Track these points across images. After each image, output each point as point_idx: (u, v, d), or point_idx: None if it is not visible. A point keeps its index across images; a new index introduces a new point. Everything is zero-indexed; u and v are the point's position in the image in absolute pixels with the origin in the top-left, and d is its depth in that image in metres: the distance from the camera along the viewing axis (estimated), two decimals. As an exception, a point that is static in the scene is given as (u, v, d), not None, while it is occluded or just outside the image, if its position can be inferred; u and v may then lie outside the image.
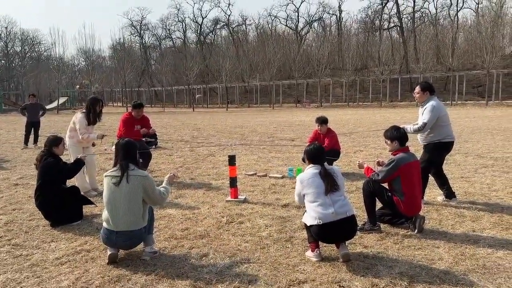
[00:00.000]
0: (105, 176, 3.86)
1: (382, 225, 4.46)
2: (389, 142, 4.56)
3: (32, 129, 12.85)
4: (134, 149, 3.93)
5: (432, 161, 5.35)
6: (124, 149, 3.87)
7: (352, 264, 3.53)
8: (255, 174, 7.60)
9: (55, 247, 4.14)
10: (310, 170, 3.80)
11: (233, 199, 5.72)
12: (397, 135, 4.49)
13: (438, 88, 46.47)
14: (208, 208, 5.36)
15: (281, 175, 7.33)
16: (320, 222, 3.54)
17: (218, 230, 4.52)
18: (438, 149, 5.31)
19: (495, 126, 16.34)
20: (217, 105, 55.83)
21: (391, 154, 4.54)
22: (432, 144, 5.30)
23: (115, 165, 3.87)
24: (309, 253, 3.72)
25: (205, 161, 9.13)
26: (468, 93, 41.83)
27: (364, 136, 13.67)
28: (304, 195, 3.75)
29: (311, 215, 3.63)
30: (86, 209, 5.29)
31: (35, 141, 12.72)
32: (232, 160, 5.83)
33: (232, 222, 4.77)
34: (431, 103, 5.24)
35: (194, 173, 7.84)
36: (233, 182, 5.77)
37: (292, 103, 49.82)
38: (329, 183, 3.66)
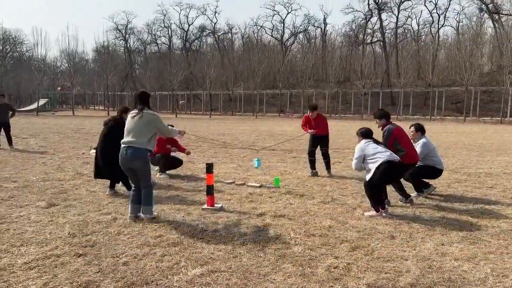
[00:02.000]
0: (129, 115, 5.27)
1: (364, 227, 4.54)
2: (378, 120, 6.35)
3: (3, 130, 12.27)
4: (147, 97, 5.28)
5: (424, 172, 6.59)
6: (139, 97, 5.24)
7: (322, 274, 3.57)
8: (233, 182, 7.62)
9: (24, 251, 4.07)
10: (364, 141, 5.63)
11: (209, 207, 5.72)
12: (383, 114, 6.36)
13: (418, 103, 47.51)
14: (183, 216, 5.35)
15: (259, 184, 7.37)
16: (385, 159, 5.30)
17: (192, 238, 4.51)
18: (431, 171, 6.64)
19: (471, 142, 16.75)
20: (201, 112, 55.75)
21: (381, 129, 6.29)
22: (427, 166, 6.62)
23: (135, 108, 5.22)
24: (373, 213, 5.39)
25: (184, 168, 9.10)
26: (447, 109, 42.80)
27: (343, 147, 13.84)
28: (364, 157, 5.47)
29: (375, 161, 5.35)
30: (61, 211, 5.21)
31: (10, 143, 12.20)
32: (209, 168, 5.84)
33: (206, 230, 4.77)
34: (423, 140, 6.71)
35: (172, 180, 7.81)
36: (209, 190, 5.78)
37: (275, 113, 50.11)
38: (379, 144, 5.62)
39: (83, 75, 60.05)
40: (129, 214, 5.16)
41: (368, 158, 5.45)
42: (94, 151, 11.57)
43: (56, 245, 4.24)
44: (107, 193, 6.51)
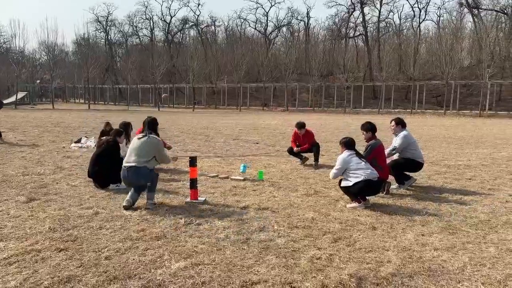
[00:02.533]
0: (135, 136, 5.75)
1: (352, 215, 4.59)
2: (364, 132, 6.43)
3: None
4: (155, 125, 5.99)
5: (405, 164, 6.78)
6: (148, 123, 5.90)
7: (305, 266, 3.61)
8: (217, 176, 7.61)
9: (3, 246, 3.99)
10: (347, 152, 5.77)
11: (192, 201, 5.71)
12: (370, 127, 6.41)
13: (400, 96, 48.12)
14: (166, 209, 5.33)
15: (242, 178, 7.37)
16: (365, 177, 5.47)
17: (175, 231, 4.50)
18: (412, 164, 6.82)
19: (451, 134, 17.07)
20: (184, 106, 55.34)
21: (366, 141, 6.39)
22: (408, 159, 6.82)
23: (142, 132, 5.82)
24: (355, 205, 5.50)
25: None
26: (427, 102, 43.43)
27: (326, 140, 13.94)
28: (345, 169, 5.64)
29: (356, 176, 5.52)
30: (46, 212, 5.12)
31: None
32: (193, 161, 5.82)
33: (190, 224, 4.76)
34: (403, 133, 6.86)
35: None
36: (193, 183, 5.76)
37: (259, 106, 50.08)
38: (361, 158, 5.78)
39: (63, 67, 58.81)
40: (127, 198, 5.37)
41: (349, 171, 5.64)
42: (75, 144, 11.49)
43: (36, 240, 4.18)
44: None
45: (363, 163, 5.69)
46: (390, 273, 3.49)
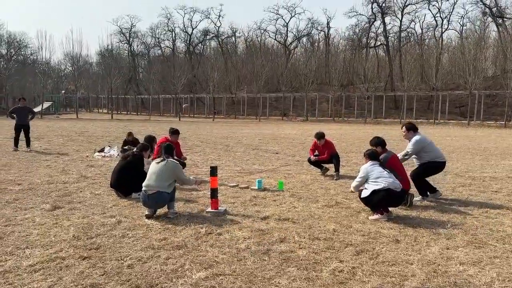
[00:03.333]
0: (153, 160, 6.01)
1: (368, 231, 4.53)
2: (374, 147, 6.20)
3: (22, 132, 12.71)
4: (172, 149, 6.09)
5: (421, 174, 6.63)
6: (165, 148, 5.95)
7: (327, 278, 3.57)
8: (237, 185, 7.62)
9: (29, 254, 4.08)
10: (370, 162, 5.74)
11: (213, 210, 5.72)
12: (379, 142, 6.38)
13: (422, 106, 47.40)
14: (187, 219, 5.36)
15: (262, 188, 7.36)
16: (386, 186, 5.36)
17: (196, 241, 4.51)
18: (432, 166, 6.64)
19: (475, 146, 16.69)
20: (204, 115, 55.82)
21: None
22: (427, 163, 6.62)
23: (159, 157, 5.87)
24: (377, 216, 5.38)
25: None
26: (450, 113, 42.68)
27: (347, 151, 13.82)
28: (367, 179, 5.57)
29: (376, 184, 5.44)
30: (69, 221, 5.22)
31: (28, 144, 12.67)
32: (213, 171, 5.84)
33: (210, 234, 4.77)
34: (415, 138, 6.66)
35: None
36: (213, 193, 5.78)
37: (278, 116, 50.10)
38: (385, 168, 5.68)
39: (87, 78, 60.18)
40: (148, 208, 5.49)
41: (370, 180, 5.58)
42: (98, 154, 11.70)
43: (60, 247, 4.25)
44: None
45: (386, 172, 5.60)
46: (415, 288, 3.42)
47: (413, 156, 6.75)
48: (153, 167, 5.66)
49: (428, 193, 6.68)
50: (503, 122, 36.00)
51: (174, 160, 5.83)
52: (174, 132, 8.55)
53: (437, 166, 6.68)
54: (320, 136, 9.15)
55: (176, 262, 3.90)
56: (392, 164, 6.01)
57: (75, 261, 3.89)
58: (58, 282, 3.45)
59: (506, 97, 37.68)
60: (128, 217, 5.40)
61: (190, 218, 5.41)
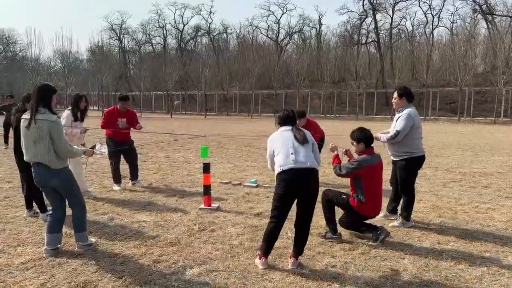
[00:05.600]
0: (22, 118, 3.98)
1: (348, 235, 4.56)
2: (355, 143, 4.64)
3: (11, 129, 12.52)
4: (49, 94, 3.95)
5: (409, 179, 5.12)
6: (38, 92, 3.89)
7: (320, 273, 3.59)
8: (230, 182, 7.62)
9: (21, 251, 4.05)
10: (281, 129, 3.96)
11: (206, 207, 5.72)
12: (363, 137, 4.57)
13: (413, 103, 47.62)
14: (180, 216, 5.35)
15: (255, 185, 7.37)
16: (280, 169, 3.64)
17: (189, 237, 4.51)
18: (410, 166, 5.06)
19: (465, 142, 16.85)
20: (196, 112, 55.61)
21: (357, 154, 4.64)
22: (404, 161, 5.04)
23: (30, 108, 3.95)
24: (256, 260, 3.80)
25: (180, 168, 9.09)
26: (441, 109, 43.00)
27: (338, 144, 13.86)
28: (273, 152, 3.82)
29: (276, 169, 3.72)
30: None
31: None
32: (206, 167, 5.84)
33: (204, 230, 4.77)
34: (408, 110, 5.03)
35: (168, 180, 7.80)
36: (206, 190, 5.78)
37: (271, 113, 50.05)
38: (298, 135, 3.80)
39: (77, 75, 59.61)
40: (45, 247, 4.00)
41: (275, 158, 3.86)
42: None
43: (53, 245, 4.22)
44: None
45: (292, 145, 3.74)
46: (407, 282, 3.45)
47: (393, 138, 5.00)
48: (24, 134, 3.90)
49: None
50: (493, 119, 36.36)
51: (49, 116, 3.85)
52: (121, 99, 7.34)
53: (416, 162, 5.11)
54: (300, 114, 7.38)
55: (169, 258, 3.90)
56: (365, 174, 4.42)
57: (67, 258, 3.87)
58: (51, 279, 3.43)
59: (496, 93, 38.05)
60: (121, 214, 5.38)
61: (183, 215, 5.41)
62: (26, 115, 3.91)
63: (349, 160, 4.76)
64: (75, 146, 4.28)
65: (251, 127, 25.90)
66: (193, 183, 7.52)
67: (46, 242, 3.98)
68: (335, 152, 4.82)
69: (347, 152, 4.90)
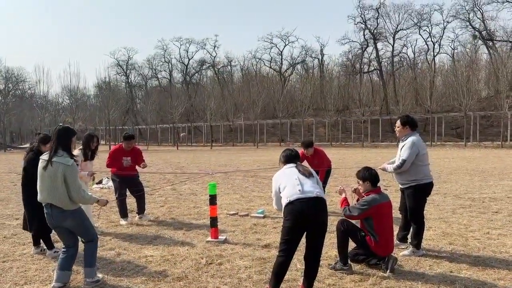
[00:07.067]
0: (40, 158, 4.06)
1: (359, 266, 4.49)
2: (361, 182, 4.59)
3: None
4: (69, 136, 4.04)
5: (418, 207, 5.02)
6: (58, 134, 3.98)
7: (330, 306, 3.51)
8: (237, 213, 7.58)
9: (27, 290, 4.02)
10: (285, 166, 3.98)
11: (213, 240, 5.67)
12: (368, 176, 4.53)
13: (418, 129, 47.63)
14: (187, 249, 5.30)
15: (263, 215, 7.32)
16: (288, 200, 3.58)
17: (196, 272, 4.46)
18: (419, 193, 4.98)
19: (473, 167, 16.72)
20: (202, 144, 55.93)
21: (364, 194, 4.60)
22: (412, 188, 4.96)
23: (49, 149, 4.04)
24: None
25: (187, 200, 9.07)
26: (447, 134, 42.97)
27: (346, 175, 13.81)
28: (279, 189, 3.78)
29: (283, 202, 3.67)
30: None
31: None
32: (213, 199, 5.83)
33: (211, 264, 4.72)
34: (411, 139, 4.96)
35: (175, 213, 7.77)
36: (213, 222, 5.75)
37: (276, 142, 50.25)
38: (302, 169, 3.83)
39: (85, 110, 60.51)
40: (53, 284, 3.97)
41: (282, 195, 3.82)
42: (96, 185, 11.65)
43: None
44: None
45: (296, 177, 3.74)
46: (420, 313, 3.37)
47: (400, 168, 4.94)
48: (41, 175, 3.95)
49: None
50: (500, 143, 36.18)
51: (65, 159, 3.87)
52: (126, 138, 7.25)
53: (424, 189, 5.02)
54: (307, 144, 7.56)
55: (177, 294, 3.84)
56: (375, 214, 4.39)
57: (74, 296, 3.83)
58: (57, 318, 3.38)
59: (501, 117, 38.02)
60: (128, 249, 5.34)
61: (190, 248, 5.36)
62: (45, 156, 3.98)
63: (358, 200, 4.72)
64: (89, 193, 4.32)
65: (257, 157, 25.92)
66: (199, 215, 7.49)
67: (55, 279, 3.95)
68: (343, 196, 4.79)
69: (355, 191, 4.87)
